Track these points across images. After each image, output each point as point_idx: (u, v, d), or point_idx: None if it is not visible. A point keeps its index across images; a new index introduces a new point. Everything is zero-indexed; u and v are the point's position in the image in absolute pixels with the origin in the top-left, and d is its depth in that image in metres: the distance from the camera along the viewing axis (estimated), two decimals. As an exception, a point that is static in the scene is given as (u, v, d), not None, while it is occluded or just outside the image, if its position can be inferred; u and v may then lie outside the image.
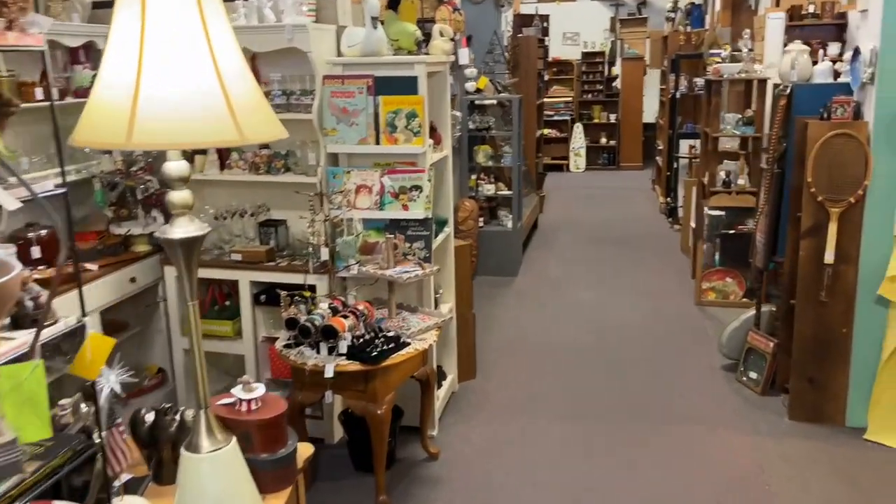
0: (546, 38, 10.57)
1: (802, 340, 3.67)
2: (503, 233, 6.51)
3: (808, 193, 3.51)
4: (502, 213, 6.69)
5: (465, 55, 6.44)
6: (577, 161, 12.59)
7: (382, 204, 3.40)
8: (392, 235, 3.30)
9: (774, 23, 5.83)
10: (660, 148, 9.58)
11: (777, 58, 5.89)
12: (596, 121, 12.63)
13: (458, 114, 6.29)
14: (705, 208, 5.62)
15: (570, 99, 12.73)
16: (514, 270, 6.54)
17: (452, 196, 3.76)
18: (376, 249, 3.36)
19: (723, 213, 5.57)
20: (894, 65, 3.26)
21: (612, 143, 12.55)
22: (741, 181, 5.54)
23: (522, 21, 9.58)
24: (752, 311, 4.26)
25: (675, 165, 8.41)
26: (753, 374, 4.11)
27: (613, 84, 12.59)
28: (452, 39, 3.71)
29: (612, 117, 12.50)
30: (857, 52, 3.48)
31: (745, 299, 5.65)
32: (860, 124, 3.42)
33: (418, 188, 3.38)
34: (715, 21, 8.04)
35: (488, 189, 6.55)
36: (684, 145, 8.31)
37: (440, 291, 3.94)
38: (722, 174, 5.62)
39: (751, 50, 5.68)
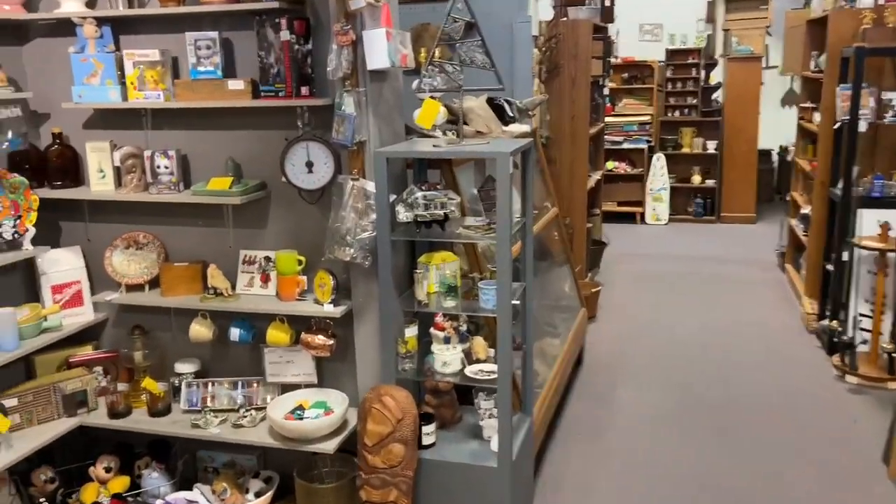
0: (609, 28, 6.75)
1: None
2: (479, 471, 2.73)
3: None
4: (485, 402, 2.93)
5: (380, 43, 2.72)
6: (657, 209, 8.63)
7: None
8: None
9: None
10: (803, 212, 5.60)
11: None
12: (686, 150, 8.64)
13: (370, 186, 2.60)
14: None
15: (648, 118, 8.79)
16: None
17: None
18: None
19: None
20: None
21: (710, 182, 8.54)
22: None
23: (568, -3, 5.80)
24: None
25: (846, 256, 4.45)
26: None
27: (714, 97, 8.59)
28: None
29: (711, 145, 8.49)
30: None
31: None
32: None
33: None
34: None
35: (448, 360, 2.78)
36: (869, 219, 4.35)
37: None
38: None
39: None
